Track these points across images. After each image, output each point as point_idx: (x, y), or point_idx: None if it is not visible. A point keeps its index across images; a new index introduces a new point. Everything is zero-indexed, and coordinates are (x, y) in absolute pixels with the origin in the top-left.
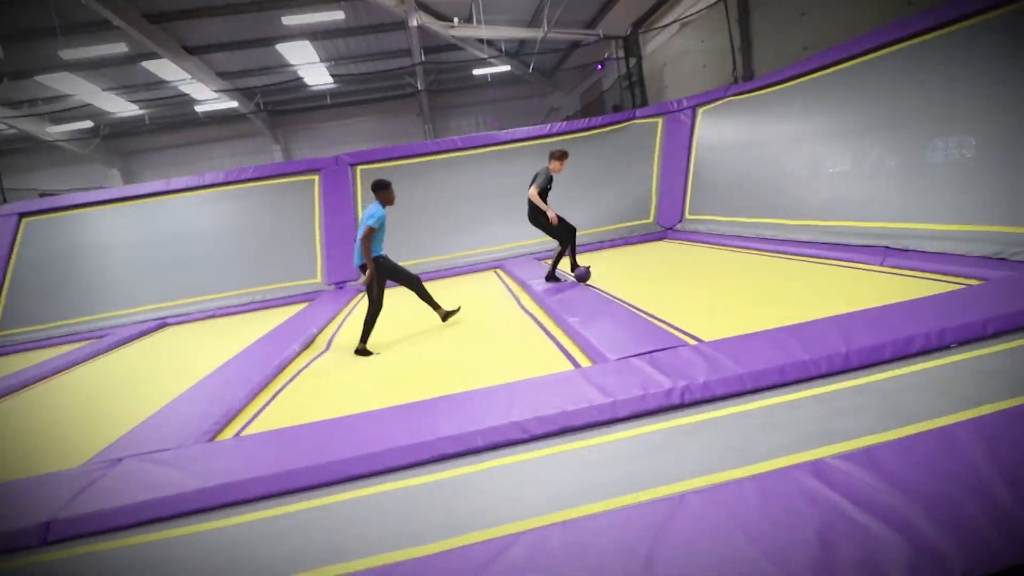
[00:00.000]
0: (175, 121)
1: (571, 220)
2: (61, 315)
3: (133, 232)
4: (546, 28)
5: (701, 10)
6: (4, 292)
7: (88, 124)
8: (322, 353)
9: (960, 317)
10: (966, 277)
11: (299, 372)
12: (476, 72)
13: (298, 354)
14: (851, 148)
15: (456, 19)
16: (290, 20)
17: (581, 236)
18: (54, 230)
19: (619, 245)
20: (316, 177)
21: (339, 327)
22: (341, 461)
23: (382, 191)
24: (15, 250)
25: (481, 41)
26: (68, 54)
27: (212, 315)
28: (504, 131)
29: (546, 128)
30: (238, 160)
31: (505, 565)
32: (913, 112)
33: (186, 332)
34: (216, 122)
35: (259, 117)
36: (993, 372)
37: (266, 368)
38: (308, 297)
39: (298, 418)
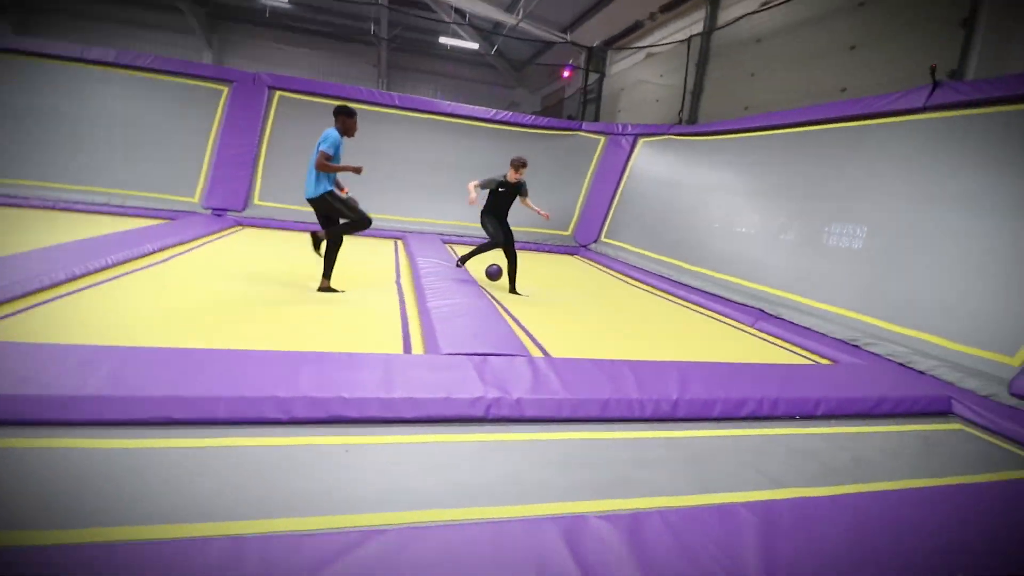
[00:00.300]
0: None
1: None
2: None
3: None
4: (520, 15)
5: (668, 44)
6: None
7: None
8: (141, 269)
9: (795, 391)
10: (820, 355)
11: (96, 284)
12: (442, 40)
13: (111, 265)
14: (759, 210)
15: None
16: None
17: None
18: None
19: (531, 250)
20: (226, 89)
21: (188, 251)
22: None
23: (342, 117)
24: None
25: (454, 9)
26: None
27: (58, 207)
28: (448, 103)
29: (490, 112)
30: (164, 50)
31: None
32: (821, 190)
33: (15, 216)
34: (142, 4)
35: (193, 12)
36: (808, 453)
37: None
38: (174, 215)
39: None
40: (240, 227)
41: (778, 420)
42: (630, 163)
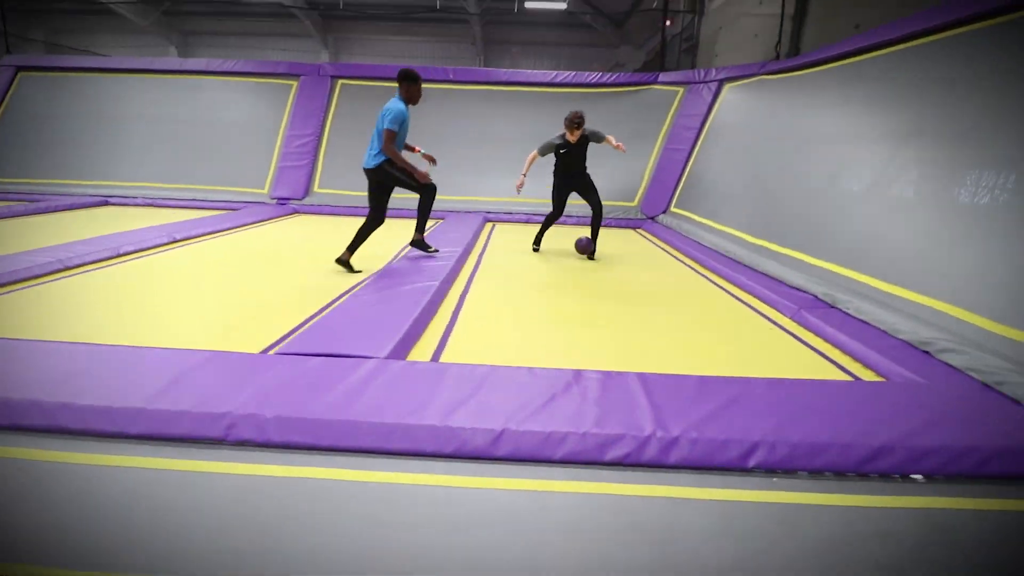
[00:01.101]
0: (234, 9)
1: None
2: (27, 172)
3: (113, 105)
4: None
5: None
6: None
7: None
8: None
9: (804, 427)
10: (866, 365)
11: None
12: (529, 5)
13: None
14: (875, 160)
15: None
16: None
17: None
18: (45, 88)
19: (587, 224)
20: (295, 83)
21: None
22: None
23: (406, 84)
24: (6, 101)
25: None
26: None
27: (153, 203)
28: (503, 70)
29: (551, 75)
30: (286, 58)
31: None
32: (965, 123)
33: (124, 214)
34: (271, 16)
35: (309, 17)
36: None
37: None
38: (244, 206)
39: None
40: (296, 214)
41: (771, 474)
42: (711, 116)
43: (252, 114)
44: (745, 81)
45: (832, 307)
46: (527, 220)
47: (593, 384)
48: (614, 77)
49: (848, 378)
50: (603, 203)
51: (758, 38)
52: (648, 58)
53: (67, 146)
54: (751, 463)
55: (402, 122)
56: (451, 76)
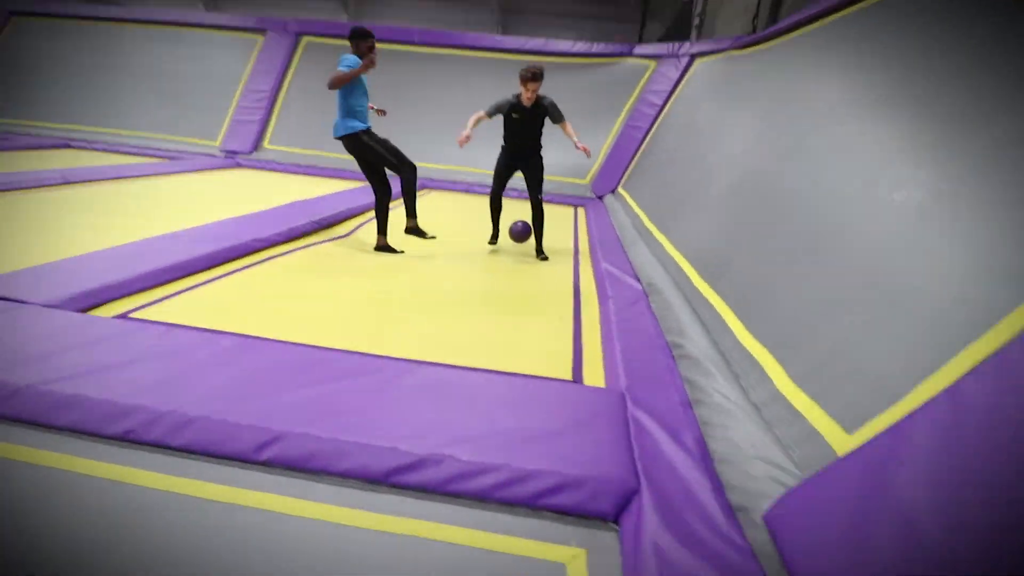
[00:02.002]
0: None
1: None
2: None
3: (91, 54)
4: None
5: None
6: None
7: None
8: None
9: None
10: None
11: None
12: None
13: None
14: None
15: None
16: None
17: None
18: (33, 33)
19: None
20: (260, 38)
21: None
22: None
23: (356, 40)
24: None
25: None
26: None
27: (110, 148)
28: (470, 34)
29: (520, 41)
30: (298, 12)
31: None
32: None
33: (78, 157)
34: None
35: None
36: None
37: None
38: (196, 159)
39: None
40: (240, 167)
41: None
42: (675, 93)
43: (216, 67)
44: (715, 56)
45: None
46: (467, 190)
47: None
48: (586, 47)
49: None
50: (553, 178)
51: (747, 11)
52: (663, 34)
53: (41, 90)
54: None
55: (350, 67)
56: (416, 39)
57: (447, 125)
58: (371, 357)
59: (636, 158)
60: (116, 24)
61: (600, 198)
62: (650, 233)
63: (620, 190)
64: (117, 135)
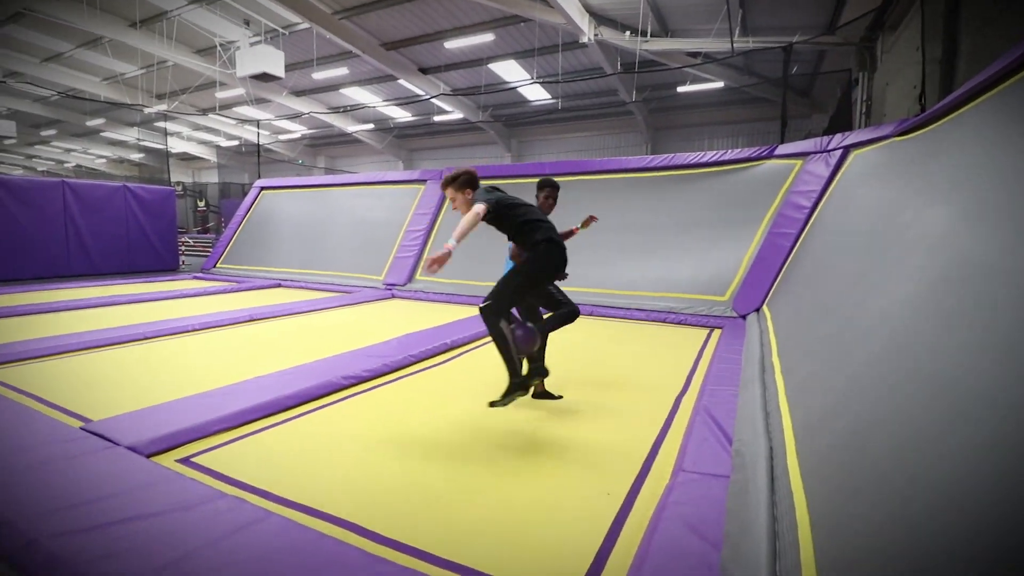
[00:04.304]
0: (440, 128)
1: (629, 272)
2: (247, 262)
3: (305, 209)
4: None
5: None
6: (235, 238)
7: (370, 126)
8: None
9: None
10: None
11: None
12: (681, 90)
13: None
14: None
15: (645, 35)
16: (451, 44)
17: (630, 296)
18: (281, 201)
19: (660, 320)
20: (422, 187)
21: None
22: None
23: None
24: (251, 211)
25: (693, 55)
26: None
27: (306, 286)
28: (595, 160)
29: (645, 160)
30: (476, 161)
31: None
32: None
33: (284, 294)
34: (466, 130)
35: (492, 127)
36: None
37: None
38: (363, 292)
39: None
40: (394, 298)
41: None
42: (829, 190)
43: (388, 214)
44: (875, 146)
45: None
46: (625, 316)
47: None
48: (718, 155)
49: None
50: (682, 295)
51: (916, 90)
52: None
53: (273, 242)
54: None
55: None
56: (546, 171)
57: (605, 246)
58: None
59: (783, 270)
60: (327, 188)
61: (744, 317)
62: (772, 371)
63: (764, 308)
64: (315, 275)
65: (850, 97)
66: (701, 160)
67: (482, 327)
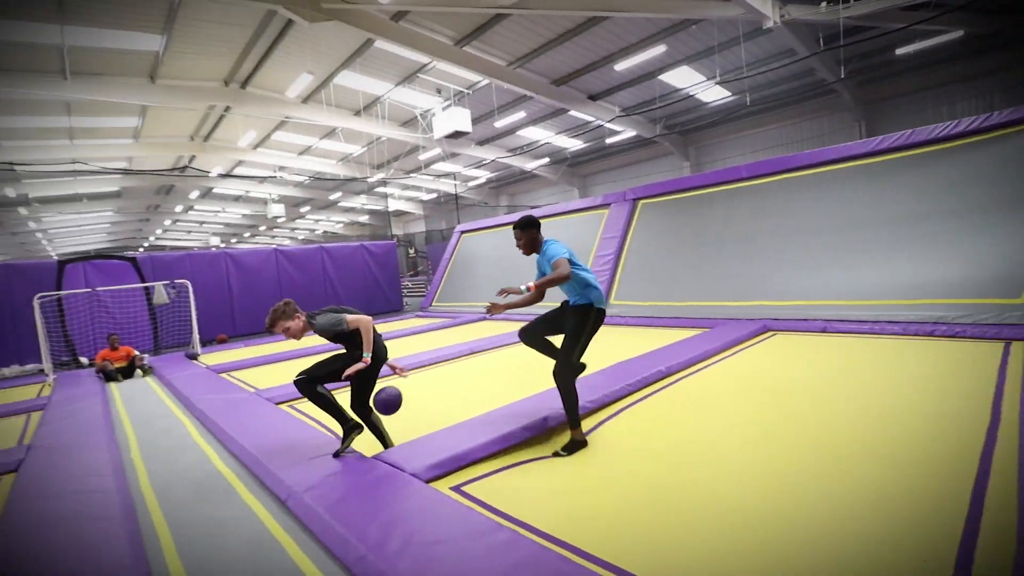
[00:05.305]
0: (607, 150)
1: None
2: (456, 299)
3: (498, 246)
4: None
5: None
6: (444, 279)
7: (545, 160)
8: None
9: None
10: None
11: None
12: (901, 52)
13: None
14: None
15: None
16: (621, 66)
17: (871, 307)
18: (477, 242)
19: (925, 334)
20: (606, 212)
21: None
22: None
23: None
24: (454, 254)
25: (910, 7)
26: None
27: (518, 318)
28: (802, 154)
29: (871, 143)
30: (654, 177)
31: None
32: None
33: (499, 326)
34: (639, 146)
35: (667, 139)
36: None
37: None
38: None
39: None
40: None
41: None
42: None
43: (574, 244)
44: None
45: None
46: (821, 329)
47: None
48: (977, 121)
49: None
50: (957, 301)
51: None
52: None
53: (473, 279)
54: None
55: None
56: (743, 174)
57: (821, 249)
58: None
59: None
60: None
61: None
62: None
63: None
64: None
65: None
66: (951, 131)
67: (694, 352)
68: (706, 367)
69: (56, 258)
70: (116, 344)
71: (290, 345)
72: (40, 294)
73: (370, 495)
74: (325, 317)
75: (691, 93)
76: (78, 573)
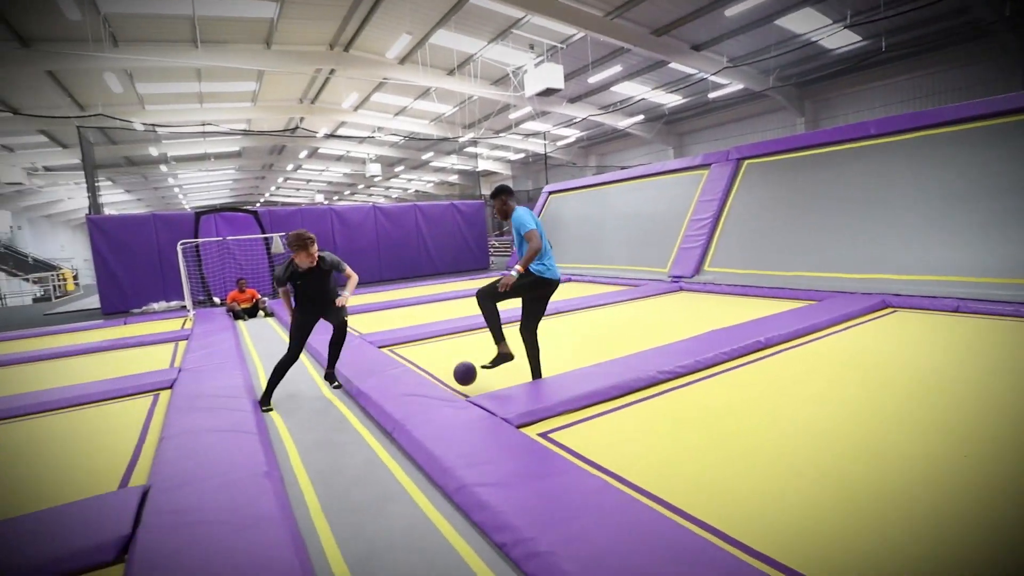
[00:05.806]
0: (711, 105)
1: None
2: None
3: (587, 207)
4: None
5: None
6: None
7: (640, 118)
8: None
9: None
10: None
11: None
12: None
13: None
14: None
15: None
16: (732, 11)
17: (1015, 287)
18: (566, 202)
19: (971, 312)
20: (705, 172)
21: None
22: None
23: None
24: (542, 214)
25: None
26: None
27: (584, 279)
28: (940, 108)
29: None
30: (761, 135)
31: None
32: None
33: (584, 288)
34: (742, 101)
35: (779, 93)
36: None
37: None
38: (648, 285)
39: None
40: (682, 291)
41: None
42: None
43: (670, 205)
44: None
45: None
46: (954, 308)
47: None
48: None
49: None
50: (981, 279)
51: None
52: None
53: (558, 241)
54: None
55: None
56: (871, 131)
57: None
58: None
59: None
60: (608, 186)
61: None
62: None
63: None
64: (600, 269)
65: None
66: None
67: (799, 325)
68: (811, 341)
69: (192, 210)
70: (244, 287)
71: (388, 295)
72: (182, 240)
73: (466, 434)
74: (331, 255)
75: (813, 39)
76: (227, 469)
